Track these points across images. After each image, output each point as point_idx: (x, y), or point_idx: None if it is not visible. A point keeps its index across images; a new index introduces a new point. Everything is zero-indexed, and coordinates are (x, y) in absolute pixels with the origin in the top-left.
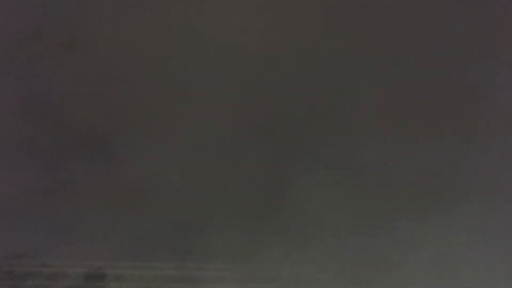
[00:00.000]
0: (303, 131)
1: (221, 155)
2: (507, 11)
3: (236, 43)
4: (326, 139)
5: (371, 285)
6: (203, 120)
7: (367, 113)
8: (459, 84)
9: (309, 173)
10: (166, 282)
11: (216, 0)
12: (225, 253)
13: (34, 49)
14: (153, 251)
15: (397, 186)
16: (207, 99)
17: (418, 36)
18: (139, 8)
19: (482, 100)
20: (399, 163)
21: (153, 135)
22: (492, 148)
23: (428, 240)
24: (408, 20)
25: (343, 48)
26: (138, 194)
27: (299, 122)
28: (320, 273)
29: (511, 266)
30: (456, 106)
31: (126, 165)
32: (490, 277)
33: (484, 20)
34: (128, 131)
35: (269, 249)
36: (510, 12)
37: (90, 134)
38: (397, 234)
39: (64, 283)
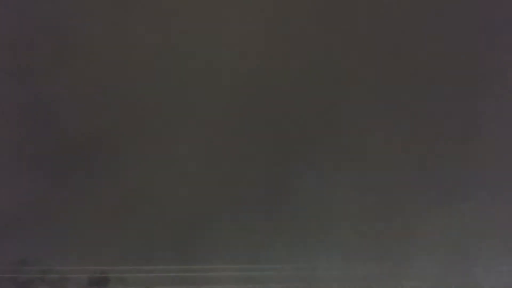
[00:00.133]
0: (306, 129)
1: (223, 160)
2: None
3: (236, 44)
4: (330, 138)
5: (373, 284)
6: (203, 122)
7: (371, 109)
8: (460, 76)
9: (311, 176)
10: (169, 284)
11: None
12: (227, 255)
13: (29, 58)
14: (155, 254)
15: (402, 184)
16: (207, 99)
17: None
18: (134, 19)
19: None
20: (403, 159)
21: (153, 141)
22: (499, 141)
23: (435, 234)
24: (408, 20)
25: (344, 46)
26: (139, 199)
27: (302, 121)
28: (321, 272)
29: None
30: (461, 98)
31: (127, 171)
32: (500, 270)
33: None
34: (128, 138)
35: (270, 250)
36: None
37: (91, 142)
38: (400, 233)
39: None
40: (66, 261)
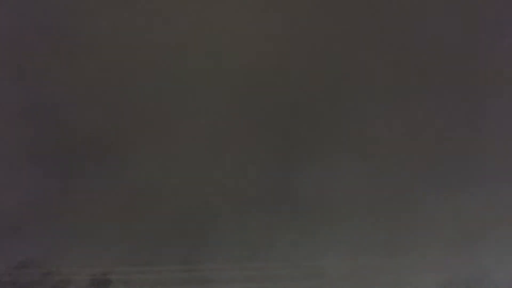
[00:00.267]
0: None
1: (224, 159)
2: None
3: (236, 43)
4: (335, 128)
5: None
6: (206, 121)
7: (377, 96)
8: (463, 66)
9: (315, 174)
10: (172, 285)
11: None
12: (230, 255)
13: (29, 57)
14: (157, 255)
15: (408, 180)
16: (207, 99)
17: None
18: (135, 18)
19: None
20: (410, 154)
21: (156, 141)
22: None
23: (443, 221)
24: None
25: (346, 45)
26: (141, 200)
27: (305, 114)
28: (324, 270)
29: None
30: (467, 82)
31: (129, 172)
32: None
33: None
34: (131, 139)
35: (272, 249)
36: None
37: (93, 142)
38: (408, 226)
39: None
40: (68, 263)
